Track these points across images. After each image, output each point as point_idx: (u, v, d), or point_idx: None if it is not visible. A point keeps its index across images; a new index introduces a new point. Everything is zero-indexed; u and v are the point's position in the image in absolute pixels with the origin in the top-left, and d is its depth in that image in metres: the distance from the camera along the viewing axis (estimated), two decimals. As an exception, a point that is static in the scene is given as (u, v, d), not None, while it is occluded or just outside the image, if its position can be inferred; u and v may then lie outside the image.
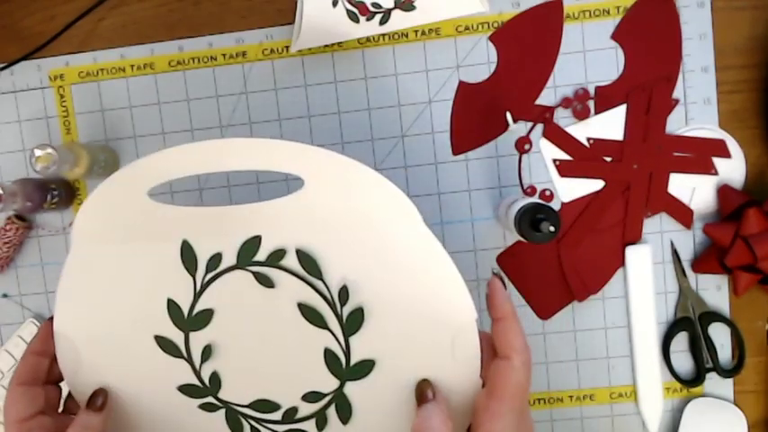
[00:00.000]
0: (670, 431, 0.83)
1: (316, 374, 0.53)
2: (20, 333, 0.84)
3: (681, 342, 0.82)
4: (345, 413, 0.54)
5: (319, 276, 0.52)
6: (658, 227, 0.81)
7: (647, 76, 0.79)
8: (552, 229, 0.66)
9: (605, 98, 0.80)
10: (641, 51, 0.79)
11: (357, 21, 0.77)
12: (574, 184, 0.81)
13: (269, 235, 0.52)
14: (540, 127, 0.80)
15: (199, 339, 0.54)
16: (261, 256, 0.52)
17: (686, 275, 0.81)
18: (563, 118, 0.80)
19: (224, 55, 0.82)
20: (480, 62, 0.81)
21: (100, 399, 0.54)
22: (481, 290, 0.80)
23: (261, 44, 0.82)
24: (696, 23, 0.79)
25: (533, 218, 0.67)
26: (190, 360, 0.54)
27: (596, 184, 0.80)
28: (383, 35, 0.81)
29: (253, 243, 0.52)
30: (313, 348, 0.53)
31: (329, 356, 0.53)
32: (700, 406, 0.81)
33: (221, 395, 0.55)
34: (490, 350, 0.51)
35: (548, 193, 0.81)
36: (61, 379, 0.55)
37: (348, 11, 0.77)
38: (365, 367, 0.53)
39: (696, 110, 0.80)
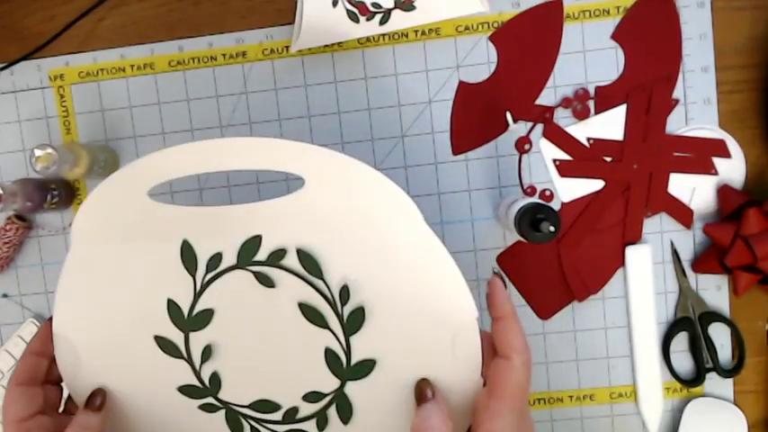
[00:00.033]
0: (670, 431, 0.83)
1: (316, 374, 0.53)
2: (20, 333, 0.84)
3: (681, 342, 0.82)
4: (346, 413, 0.54)
5: (320, 276, 0.51)
6: (658, 227, 0.81)
7: (647, 76, 0.79)
8: (552, 229, 0.66)
9: (605, 98, 0.80)
10: (641, 51, 0.79)
11: (357, 21, 0.77)
12: (574, 184, 0.81)
13: (269, 234, 0.52)
14: (540, 127, 0.80)
15: (199, 339, 0.54)
16: (261, 255, 0.52)
17: (686, 275, 0.81)
18: (563, 118, 0.80)
19: (224, 55, 0.82)
20: (480, 62, 0.81)
21: (98, 399, 0.54)
22: (481, 290, 0.80)
23: (261, 44, 0.82)
24: (696, 23, 0.79)
25: (533, 218, 0.67)
26: (190, 360, 0.54)
27: (596, 184, 0.80)
28: (383, 35, 0.81)
29: (253, 243, 0.52)
30: (314, 348, 0.53)
31: (330, 356, 0.53)
32: (700, 406, 0.81)
33: (221, 396, 0.55)
34: (490, 349, 0.51)
35: (548, 193, 0.81)
36: (61, 379, 0.55)
37: (348, 11, 0.77)
38: (366, 367, 0.53)
39: (696, 110, 0.80)
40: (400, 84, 0.81)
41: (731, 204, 0.77)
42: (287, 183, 0.81)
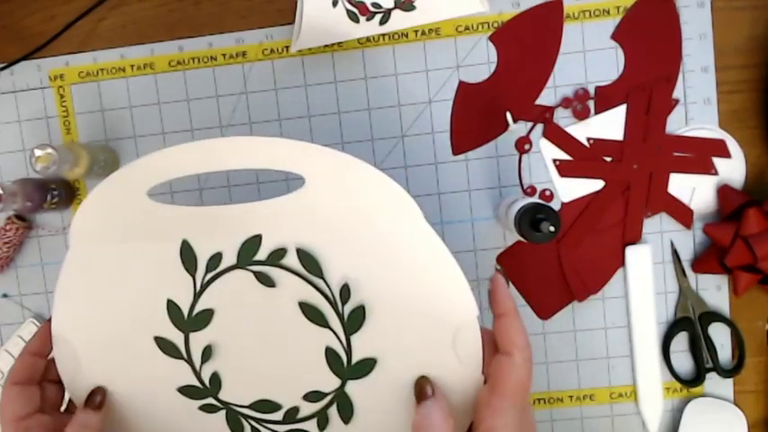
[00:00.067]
0: (670, 431, 0.83)
1: (317, 374, 0.53)
2: (20, 333, 0.84)
3: (681, 342, 0.82)
4: (347, 412, 0.54)
5: (320, 275, 0.51)
6: (658, 227, 0.81)
7: (647, 76, 0.79)
8: (552, 229, 0.66)
9: (605, 98, 0.80)
10: (641, 51, 0.79)
11: (357, 21, 0.77)
12: (574, 184, 0.81)
13: (269, 234, 0.52)
14: (540, 127, 0.80)
15: (199, 340, 0.53)
16: (261, 255, 0.52)
17: (686, 275, 0.81)
18: (563, 118, 0.80)
19: (224, 55, 0.82)
20: (480, 62, 0.81)
21: (98, 397, 0.54)
22: (482, 289, 0.80)
23: (261, 44, 0.82)
24: (696, 23, 0.79)
25: (533, 218, 0.67)
26: (190, 361, 0.54)
27: (596, 184, 0.80)
28: (383, 35, 0.81)
29: (253, 242, 0.52)
30: (314, 347, 0.53)
31: (330, 355, 0.53)
32: (700, 406, 0.81)
33: (222, 396, 0.54)
34: (492, 346, 0.51)
35: (548, 193, 0.81)
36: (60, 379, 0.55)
37: (348, 11, 0.77)
38: (367, 366, 0.53)
39: (696, 110, 0.80)
40: (400, 84, 0.81)
41: (731, 204, 0.77)
42: (287, 182, 0.81)
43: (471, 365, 0.52)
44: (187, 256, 0.52)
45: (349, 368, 0.53)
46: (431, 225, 0.50)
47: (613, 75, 0.80)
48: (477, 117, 0.81)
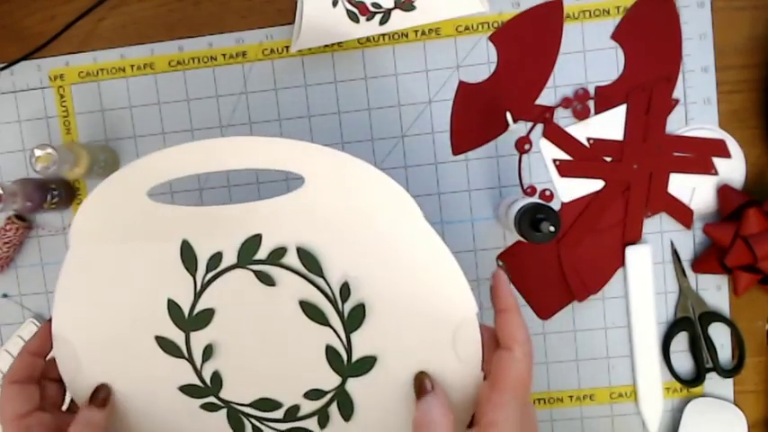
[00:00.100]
0: (670, 431, 0.83)
1: (317, 372, 0.53)
2: (20, 333, 0.84)
3: (681, 342, 0.82)
4: (347, 410, 0.54)
5: (320, 273, 0.52)
6: (658, 227, 0.81)
7: (647, 76, 0.79)
8: (552, 229, 0.66)
9: (605, 98, 0.80)
10: (641, 51, 0.79)
11: (357, 21, 0.77)
12: (574, 184, 0.81)
13: (269, 233, 0.52)
14: (540, 127, 0.80)
15: (200, 339, 0.54)
16: (261, 254, 0.52)
17: (686, 275, 0.81)
18: (563, 118, 0.80)
19: (224, 55, 0.82)
20: (480, 62, 0.81)
21: (102, 394, 0.54)
22: (482, 290, 0.80)
23: (261, 44, 0.82)
24: (696, 23, 0.79)
25: (533, 218, 0.67)
26: (191, 360, 0.54)
27: (596, 184, 0.80)
28: (383, 35, 0.81)
29: (253, 242, 0.52)
30: (314, 345, 0.53)
31: (331, 353, 0.53)
32: (700, 406, 0.81)
33: (223, 395, 0.55)
34: (492, 343, 0.52)
35: (548, 193, 0.81)
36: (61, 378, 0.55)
37: (348, 11, 0.77)
38: (367, 363, 0.53)
39: (696, 110, 0.80)
40: (400, 84, 0.81)
41: (731, 204, 0.77)
42: (287, 182, 0.81)
43: (471, 363, 0.52)
44: (187, 255, 0.52)
45: (349, 366, 0.53)
46: (431, 225, 0.51)
47: (613, 75, 0.80)
48: (477, 117, 0.81)
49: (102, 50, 0.83)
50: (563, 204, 0.81)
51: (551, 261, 0.81)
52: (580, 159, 0.80)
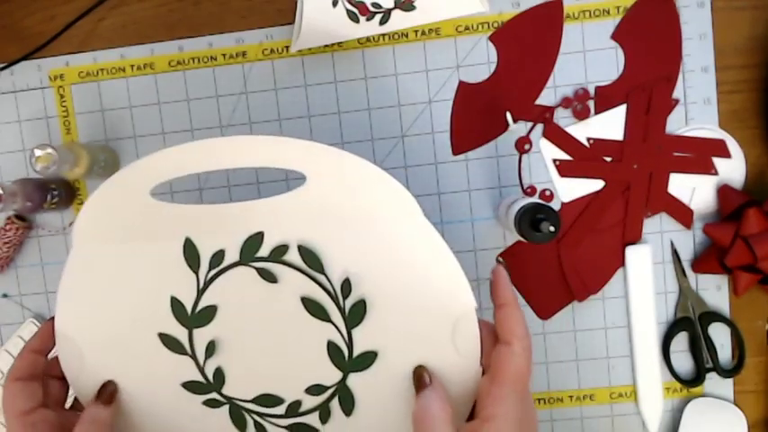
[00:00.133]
0: (670, 431, 0.83)
1: (319, 367, 0.54)
2: (20, 333, 0.84)
3: (681, 342, 0.82)
4: (348, 405, 0.54)
5: (321, 270, 0.52)
6: (658, 227, 0.81)
7: (647, 76, 0.79)
8: (552, 229, 0.66)
9: (605, 98, 0.80)
10: (641, 51, 0.79)
11: (357, 21, 0.77)
12: (574, 184, 0.81)
13: (271, 231, 0.52)
14: (540, 127, 0.81)
15: (203, 336, 0.54)
16: (264, 251, 0.52)
17: (686, 275, 0.81)
18: (563, 118, 0.80)
19: (224, 55, 0.82)
20: (480, 62, 0.81)
21: (108, 391, 0.54)
22: (482, 289, 0.80)
23: (261, 44, 0.82)
24: (696, 23, 0.79)
25: (533, 218, 0.68)
26: (194, 356, 0.54)
27: (596, 184, 0.81)
28: (383, 35, 0.81)
29: (255, 239, 0.52)
30: (316, 341, 0.53)
31: (332, 349, 0.53)
32: (700, 406, 0.81)
33: (225, 391, 0.55)
34: (491, 338, 0.52)
35: (548, 193, 0.81)
36: (64, 376, 0.55)
37: (348, 11, 0.77)
38: (368, 359, 0.53)
39: (696, 110, 0.80)
40: (400, 84, 0.82)
41: (731, 204, 0.77)
42: (287, 182, 0.81)
43: (470, 357, 0.52)
44: (190, 253, 0.53)
45: (350, 361, 0.53)
46: (431, 223, 0.51)
47: (613, 75, 0.80)
48: (477, 117, 0.81)
49: (102, 50, 0.83)
50: (563, 204, 0.81)
51: (551, 261, 0.82)
52: (580, 159, 0.80)
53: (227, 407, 0.55)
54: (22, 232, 0.82)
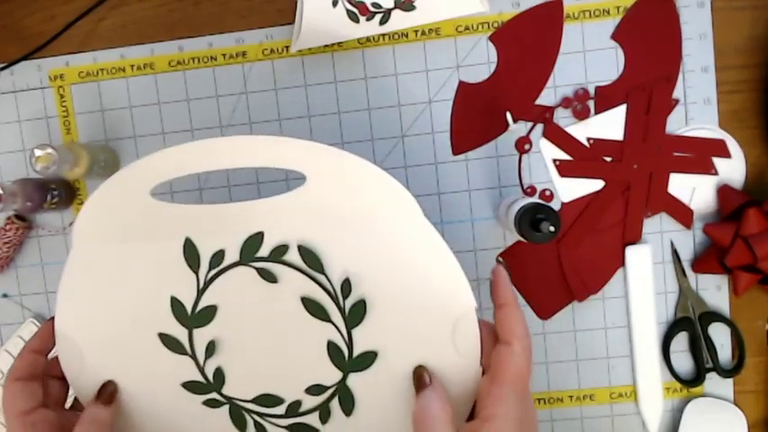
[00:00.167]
0: (670, 431, 0.83)
1: (319, 367, 0.54)
2: (20, 333, 0.84)
3: (681, 342, 0.82)
4: (348, 405, 0.54)
5: (321, 270, 0.52)
6: (658, 227, 0.81)
7: (647, 76, 0.79)
8: (552, 229, 0.66)
9: (605, 98, 0.80)
10: (641, 51, 0.79)
11: (357, 21, 0.77)
12: (574, 184, 0.81)
13: (271, 231, 0.52)
14: (540, 127, 0.80)
15: (203, 336, 0.54)
16: (264, 251, 0.52)
17: (686, 275, 0.81)
18: (563, 118, 0.80)
19: (224, 55, 0.82)
20: (480, 62, 0.81)
21: (108, 391, 0.54)
22: (482, 289, 0.80)
23: (261, 44, 0.82)
24: (696, 23, 0.79)
25: (533, 218, 0.68)
26: (194, 356, 0.54)
27: (596, 184, 0.80)
28: (383, 35, 0.81)
29: (255, 239, 0.52)
30: (316, 341, 0.53)
31: (332, 349, 0.53)
32: (700, 406, 0.81)
33: (225, 391, 0.55)
34: (491, 338, 0.52)
35: (548, 193, 0.81)
36: (63, 376, 0.55)
37: (348, 11, 0.77)
38: (368, 359, 0.53)
39: (696, 110, 0.80)
40: (400, 84, 0.82)
41: (731, 204, 0.77)
42: (287, 182, 0.81)
43: (470, 357, 0.52)
44: (190, 253, 0.53)
45: (350, 361, 0.53)
46: (430, 223, 0.51)
47: (613, 75, 0.80)
48: (477, 117, 0.81)
49: (102, 50, 0.83)
50: (563, 204, 0.81)
51: (551, 261, 0.82)
52: (580, 159, 0.80)
53: (227, 407, 0.55)
54: (22, 232, 0.82)
